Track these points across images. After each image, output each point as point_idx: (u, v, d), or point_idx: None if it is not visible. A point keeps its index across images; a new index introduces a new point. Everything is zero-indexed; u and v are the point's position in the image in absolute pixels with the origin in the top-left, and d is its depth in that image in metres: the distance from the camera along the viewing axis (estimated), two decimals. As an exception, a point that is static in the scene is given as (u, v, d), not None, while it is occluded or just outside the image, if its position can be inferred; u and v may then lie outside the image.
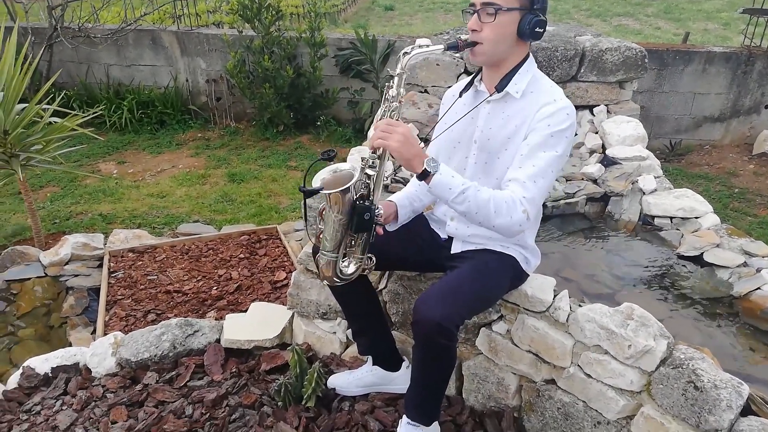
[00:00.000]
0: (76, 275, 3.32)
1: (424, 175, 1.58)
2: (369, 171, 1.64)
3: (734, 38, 7.43)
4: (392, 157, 1.61)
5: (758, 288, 2.22)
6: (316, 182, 1.64)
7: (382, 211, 1.78)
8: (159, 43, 5.94)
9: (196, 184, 4.80)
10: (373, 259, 1.78)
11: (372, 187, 1.65)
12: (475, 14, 1.62)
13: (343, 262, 1.75)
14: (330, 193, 1.61)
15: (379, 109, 1.69)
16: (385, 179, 2.48)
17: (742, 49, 5.36)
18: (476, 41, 1.64)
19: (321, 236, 1.72)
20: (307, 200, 1.66)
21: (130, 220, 4.15)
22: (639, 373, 1.71)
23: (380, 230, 1.74)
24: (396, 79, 1.63)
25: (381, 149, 1.61)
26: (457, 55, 3.78)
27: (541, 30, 1.65)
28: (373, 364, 2.15)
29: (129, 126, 5.83)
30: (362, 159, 1.66)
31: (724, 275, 2.35)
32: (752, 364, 1.98)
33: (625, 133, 3.27)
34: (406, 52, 1.62)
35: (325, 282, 1.81)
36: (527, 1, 1.61)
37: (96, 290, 3.19)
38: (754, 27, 5.38)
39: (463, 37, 1.66)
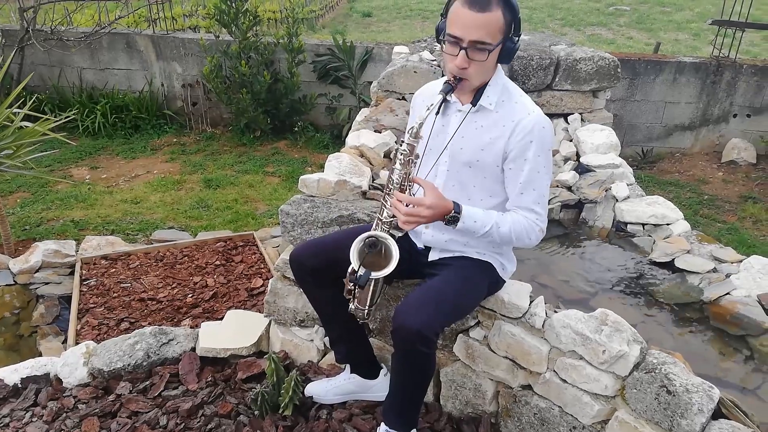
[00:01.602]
0: (47, 283, 3.25)
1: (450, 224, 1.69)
2: (395, 232, 1.75)
3: (704, 48, 7.61)
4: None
5: (727, 293, 2.28)
6: (353, 258, 1.71)
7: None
8: (134, 46, 5.86)
9: (171, 189, 4.74)
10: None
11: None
12: (463, 51, 1.60)
13: None
14: (381, 277, 1.71)
15: (394, 172, 1.69)
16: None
17: (712, 60, 5.50)
18: (464, 77, 1.65)
19: (356, 293, 1.80)
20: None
21: (102, 227, 4.07)
22: (613, 378, 1.74)
23: None
24: (408, 146, 1.65)
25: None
26: (434, 62, 3.82)
27: (515, 53, 1.69)
28: (351, 372, 2.14)
29: (102, 131, 5.73)
30: (381, 220, 1.72)
31: (695, 281, 2.40)
32: (722, 368, 2.03)
33: (598, 141, 3.33)
34: (415, 128, 1.65)
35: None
36: (509, 29, 1.62)
37: (67, 298, 3.12)
38: (722, 38, 5.52)
39: (452, 76, 1.66)
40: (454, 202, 1.67)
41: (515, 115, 1.70)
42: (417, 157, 1.69)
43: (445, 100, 1.80)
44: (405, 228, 1.67)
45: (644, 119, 5.66)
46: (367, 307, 1.82)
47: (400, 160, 1.67)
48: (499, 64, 1.74)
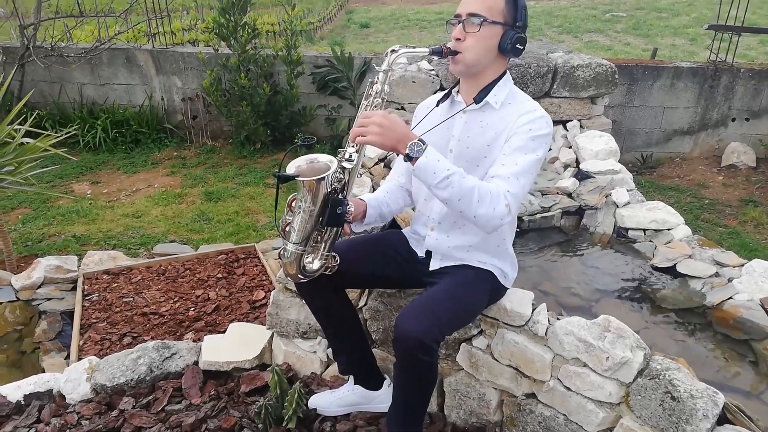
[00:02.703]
0: (49, 299, 3.25)
1: (409, 158, 1.56)
2: (346, 164, 1.62)
3: (701, 53, 7.65)
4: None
5: (730, 297, 2.27)
6: (290, 169, 1.60)
7: (352, 208, 1.75)
8: (134, 61, 5.90)
9: (173, 203, 4.75)
10: (337, 258, 1.76)
11: (347, 181, 1.64)
12: (460, 24, 1.67)
13: (307, 258, 1.71)
14: (305, 181, 1.57)
15: (361, 105, 1.67)
16: (359, 175, 2.47)
17: (709, 64, 5.52)
18: (458, 50, 1.68)
19: (288, 228, 1.66)
20: (279, 187, 1.61)
21: (104, 241, 4.08)
22: (617, 385, 1.73)
23: (347, 229, 1.72)
24: (381, 75, 1.65)
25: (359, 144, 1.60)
26: (433, 72, 3.83)
27: (522, 47, 1.71)
28: (355, 383, 2.14)
29: (103, 145, 5.76)
30: (339, 151, 1.65)
31: (697, 285, 2.40)
32: (727, 373, 2.02)
33: (597, 147, 3.34)
34: (393, 50, 1.65)
35: (288, 278, 1.74)
36: (510, 17, 1.67)
37: (70, 314, 3.11)
38: (719, 42, 5.55)
39: (448, 44, 1.70)
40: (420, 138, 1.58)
41: (521, 110, 1.72)
42: (378, 94, 1.65)
43: (450, 97, 1.83)
44: (358, 141, 1.56)
45: (643, 124, 5.67)
46: (293, 242, 1.63)
47: (371, 90, 1.64)
48: (507, 72, 1.78)
